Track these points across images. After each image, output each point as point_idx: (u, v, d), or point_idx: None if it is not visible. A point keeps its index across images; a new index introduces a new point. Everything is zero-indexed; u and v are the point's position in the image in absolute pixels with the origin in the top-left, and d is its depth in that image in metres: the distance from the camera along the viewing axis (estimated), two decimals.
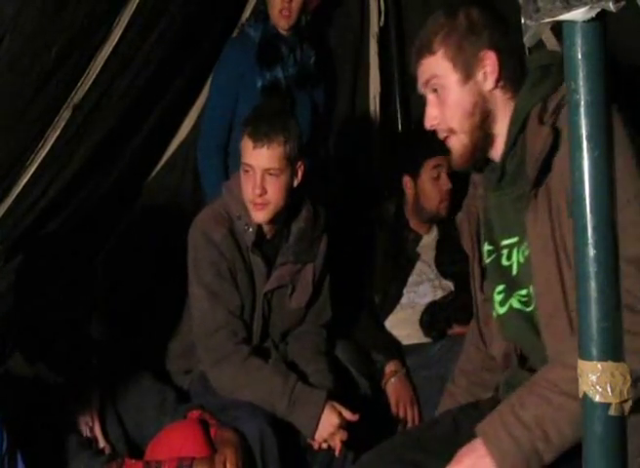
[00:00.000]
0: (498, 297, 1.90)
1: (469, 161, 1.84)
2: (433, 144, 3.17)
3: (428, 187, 3.18)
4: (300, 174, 2.65)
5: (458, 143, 1.83)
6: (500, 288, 1.89)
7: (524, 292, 1.83)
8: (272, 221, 2.66)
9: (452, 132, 1.82)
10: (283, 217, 2.69)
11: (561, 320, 1.68)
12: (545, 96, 1.76)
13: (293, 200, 2.67)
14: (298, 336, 2.84)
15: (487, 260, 1.93)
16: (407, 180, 3.23)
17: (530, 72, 1.79)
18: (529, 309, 1.82)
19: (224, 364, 2.60)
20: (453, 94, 1.79)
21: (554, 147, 1.67)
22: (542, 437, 1.59)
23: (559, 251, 1.67)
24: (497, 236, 1.89)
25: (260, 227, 2.67)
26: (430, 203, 3.20)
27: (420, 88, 1.88)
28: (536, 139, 1.69)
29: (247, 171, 2.58)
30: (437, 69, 1.81)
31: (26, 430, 2.18)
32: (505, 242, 1.87)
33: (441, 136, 1.86)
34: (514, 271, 1.85)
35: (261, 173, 2.56)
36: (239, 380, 2.59)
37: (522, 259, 1.82)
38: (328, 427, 2.50)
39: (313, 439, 2.53)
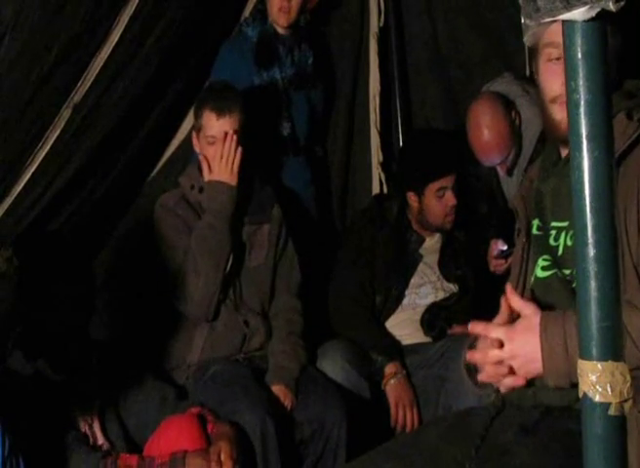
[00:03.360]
0: (542, 263, 1.93)
1: None
2: (438, 165, 3.20)
3: (433, 204, 3.17)
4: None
5: None
6: (547, 257, 1.93)
7: (568, 271, 1.86)
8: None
9: None
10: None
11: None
12: (631, 106, 1.80)
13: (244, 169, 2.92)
14: (275, 313, 3.00)
15: (535, 232, 1.97)
16: (411, 195, 3.21)
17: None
18: (572, 285, 1.84)
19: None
20: None
21: (636, 142, 1.73)
22: None
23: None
24: (547, 217, 1.93)
25: None
26: (435, 218, 3.20)
27: (552, 51, 1.84)
28: (620, 133, 1.73)
29: (212, 143, 2.87)
30: None
31: (25, 427, 2.18)
32: (555, 224, 1.91)
33: (562, 100, 1.81)
34: (560, 251, 1.89)
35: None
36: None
37: (570, 243, 1.85)
38: None
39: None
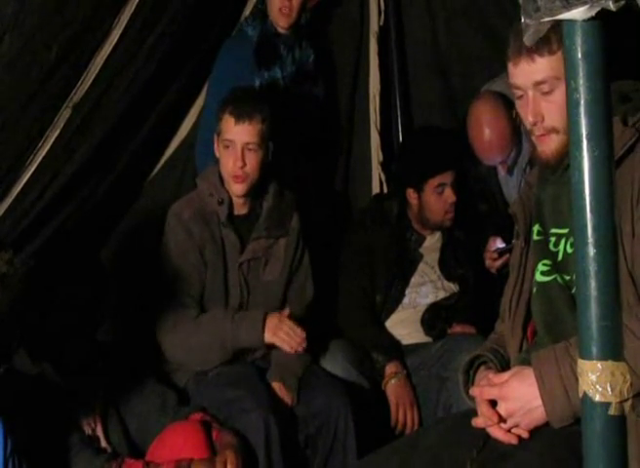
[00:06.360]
0: (542, 268, 1.95)
1: (563, 157, 1.85)
2: (437, 161, 3.20)
3: (432, 201, 3.17)
4: (269, 153, 2.89)
5: (558, 142, 1.84)
6: (547, 262, 1.94)
7: (568, 277, 1.88)
8: (246, 195, 2.87)
9: (554, 131, 1.84)
10: (254, 193, 2.89)
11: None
12: (626, 111, 1.81)
13: (263, 179, 2.89)
14: None
15: (535, 237, 1.99)
16: (410, 192, 3.21)
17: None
18: (571, 291, 1.86)
19: (177, 328, 2.77)
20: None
21: (631, 148, 1.75)
22: None
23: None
24: (547, 224, 1.95)
25: (231, 202, 2.87)
26: (435, 215, 3.19)
27: (522, 84, 1.86)
28: (616, 139, 1.73)
29: (227, 146, 2.82)
30: (558, 71, 1.78)
31: (29, 427, 2.18)
32: (555, 231, 1.92)
33: (538, 132, 1.87)
34: (559, 257, 1.90)
35: (241, 147, 2.80)
36: (190, 338, 2.77)
37: (570, 250, 1.86)
38: (272, 326, 2.76)
39: (263, 343, 2.78)
